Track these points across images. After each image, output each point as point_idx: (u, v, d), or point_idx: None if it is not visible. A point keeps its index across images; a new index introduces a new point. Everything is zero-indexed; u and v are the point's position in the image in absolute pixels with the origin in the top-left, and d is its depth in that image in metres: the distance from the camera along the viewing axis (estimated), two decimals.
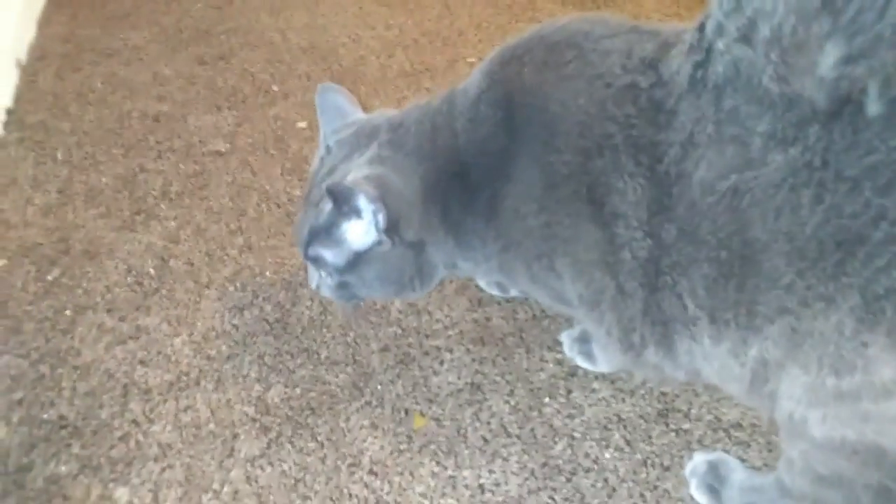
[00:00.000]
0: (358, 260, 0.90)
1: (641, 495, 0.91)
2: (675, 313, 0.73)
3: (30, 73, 1.73)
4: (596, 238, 0.75)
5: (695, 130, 0.67)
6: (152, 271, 1.25)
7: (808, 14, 0.58)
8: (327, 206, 0.88)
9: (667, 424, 0.98)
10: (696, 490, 0.90)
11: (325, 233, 0.89)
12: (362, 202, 0.84)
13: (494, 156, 0.84)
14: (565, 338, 1.07)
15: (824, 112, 0.59)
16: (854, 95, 0.57)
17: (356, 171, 0.88)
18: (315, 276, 0.97)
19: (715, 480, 0.89)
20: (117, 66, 1.75)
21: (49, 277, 1.25)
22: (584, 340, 1.05)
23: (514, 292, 1.13)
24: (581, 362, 1.05)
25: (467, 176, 0.87)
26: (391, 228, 0.86)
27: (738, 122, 0.64)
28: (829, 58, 0.57)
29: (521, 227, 0.84)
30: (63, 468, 0.98)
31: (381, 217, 0.85)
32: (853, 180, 0.59)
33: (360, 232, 0.87)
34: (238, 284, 1.22)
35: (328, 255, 0.90)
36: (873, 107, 0.57)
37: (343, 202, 0.85)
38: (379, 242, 0.88)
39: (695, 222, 0.68)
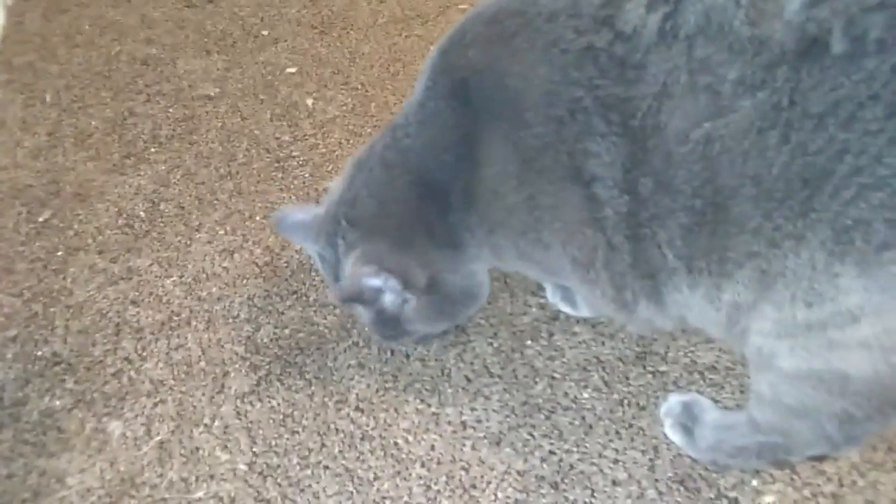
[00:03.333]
0: (402, 321, 0.94)
1: (617, 433, 0.94)
2: (658, 264, 0.75)
3: (16, 13, 1.71)
4: (581, 197, 0.76)
5: (668, 82, 0.67)
6: (143, 214, 1.26)
7: None
8: (360, 311, 0.95)
9: (644, 367, 1.01)
10: (670, 429, 0.93)
11: (382, 321, 0.94)
12: (373, 282, 0.89)
13: (457, 147, 0.84)
14: (549, 284, 1.10)
15: (793, 53, 0.61)
16: (820, 36, 0.60)
17: (347, 272, 0.92)
18: None
19: (688, 420, 0.93)
20: (105, 7, 1.73)
21: (40, 219, 1.26)
22: (566, 287, 1.07)
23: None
24: (563, 308, 1.08)
25: (434, 181, 0.88)
26: (407, 285, 0.90)
27: (710, 70, 0.65)
28: (795, 2, 0.61)
29: (502, 206, 0.84)
30: (57, 402, 1.01)
31: (393, 283, 0.89)
32: (818, 117, 0.61)
33: (392, 299, 0.92)
34: (228, 228, 1.23)
35: (400, 329, 0.96)
36: (838, 45, 0.59)
37: (363, 300, 0.91)
38: (405, 301, 0.92)
39: (670, 173, 0.69)
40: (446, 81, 0.84)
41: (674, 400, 0.95)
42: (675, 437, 0.93)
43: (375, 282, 0.89)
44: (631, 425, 0.95)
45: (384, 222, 0.92)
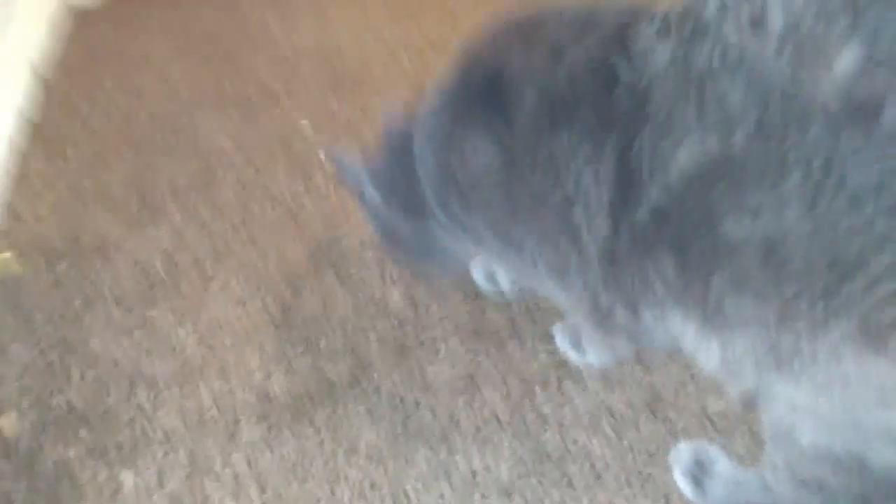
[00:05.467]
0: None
1: (627, 481, 0.94)
2: (637, 291, 0.72)
3: (42, 74, 1.78)
4: (563, 202, 0.74)
5: (674, 112, 0.63)
6: (159, 265, 1.29)
7: (829, 9, 0.54)
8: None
9: (654, 414, 1.01)
10: (680, 479, 0.93)
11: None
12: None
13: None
14: (557, 331, 1.11)
15: (834, 113, 0.54)
16: (869, 104, 0.53)
17: None
18: None
19: (698, 471, 0.92)
20: (127, 67, 1.80)
21: (58, 270, 1.29)
22: (576, 334, 1.08)
23: (504, 286, 1.16)
24: (572, 356, 1.08)
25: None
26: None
27: (724, 109, 0.59)
28: (846, 61, 0.53)
29: (481, 189, 0.84)
30: (71, 452, 1.02)
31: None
32: (855, 193, 0.53)
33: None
34: (241, 278, 1.26)
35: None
36: (889, 121, 0.52)
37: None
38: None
39: (669, 207, 0.65)
40: (479, 68, 0.91)
41: (683, 449, 0.94)
42: (685, 487, 0.92)
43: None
44: (641, 473, 0.95)
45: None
